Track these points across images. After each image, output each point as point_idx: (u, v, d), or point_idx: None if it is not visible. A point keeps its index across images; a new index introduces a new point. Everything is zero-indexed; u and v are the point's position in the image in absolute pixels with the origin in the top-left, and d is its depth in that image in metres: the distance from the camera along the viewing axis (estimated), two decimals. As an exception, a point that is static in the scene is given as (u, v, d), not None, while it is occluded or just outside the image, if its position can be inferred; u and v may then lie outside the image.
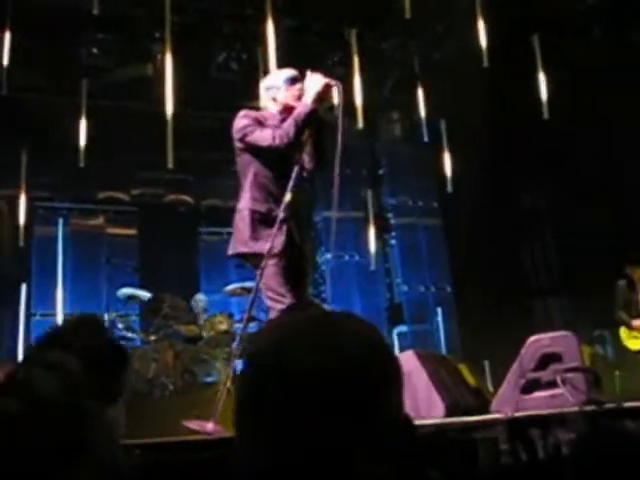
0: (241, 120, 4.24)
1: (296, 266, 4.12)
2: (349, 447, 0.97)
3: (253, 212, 4.16)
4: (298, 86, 4.24)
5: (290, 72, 4.37)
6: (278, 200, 4.11)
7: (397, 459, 1.00)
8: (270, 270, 3.97)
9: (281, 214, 4.00)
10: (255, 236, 4.08)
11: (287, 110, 4.24)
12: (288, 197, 4.03)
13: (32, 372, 1.23)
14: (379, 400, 1.00)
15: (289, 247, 4.07)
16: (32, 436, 1.04)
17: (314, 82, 4.08)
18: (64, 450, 1.05)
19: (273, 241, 3.94)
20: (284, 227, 4.05)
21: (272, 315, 4.02)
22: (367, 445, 0.97)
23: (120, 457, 1.19)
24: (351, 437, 0.97)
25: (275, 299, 3.98)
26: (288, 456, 0.97)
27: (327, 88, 4.09)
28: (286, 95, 4.27)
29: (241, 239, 4.15)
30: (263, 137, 4.12)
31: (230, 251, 4.25)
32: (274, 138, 4.06)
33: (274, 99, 4.33)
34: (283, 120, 4.19)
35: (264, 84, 4.49)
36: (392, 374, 1.04)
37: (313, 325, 1.05)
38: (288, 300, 3.94)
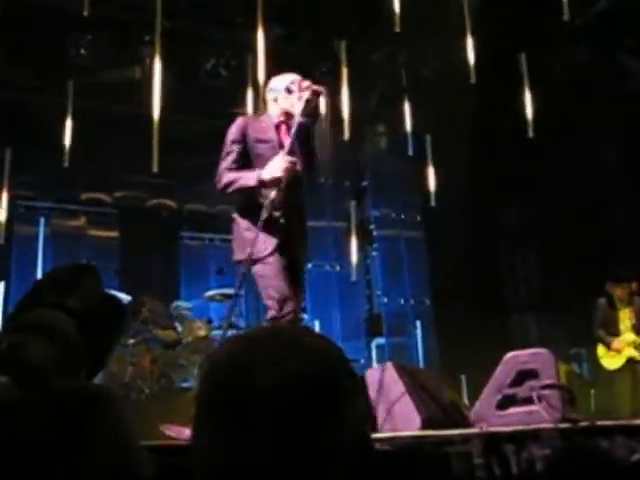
0: (228, 133, 4.40)
1: (290, 267, 4.19)
2: (302, 461, 0.96)
3: (244, 217, 4.28)
4: (295, 95, 4.29)
5: (290, 80, 4.40)
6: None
7: (351, 473, 1.00)
8: (265, 272, 4.10)
9: (265, 213, 4.03)
10: (247, 240, 4.14)
11: (285, 115, 4.36)
12: (273, 194, 4.08)
13: (20, 338, 1.13)
14: (333, 415, 0.99)
15: (282, 248, 4.14)
16: (28, 428, 1.02)
17: (275, 167, 4.09)
18: (62, 446, 1.03)
19: (264, 243, 4.05)
20: (274, 227, 4.11)
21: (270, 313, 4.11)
22: (320, 459, 0.98)
23: (132, 458, 1.15)
24: (304, 451, 0.96)
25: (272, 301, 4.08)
26: (240, 468, 0.97)
27: (287, 172, 4.09)
28: (285, 101, 4.36)
29: (238, 245, 4.27)
30: (220, 167, 4.32)
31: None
32: (217, 179, 4.31)
33: (275, 100, 4.42)
34: (278, 126, 4.35)
35: (269, 85, 4.56)
36: (347, 389, 1.03)
37: (267, 341, 1.04)
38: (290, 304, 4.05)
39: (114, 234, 10.37)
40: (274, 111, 4.43)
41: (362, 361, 10.17)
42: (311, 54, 9.70)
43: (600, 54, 9.72)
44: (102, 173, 10.09)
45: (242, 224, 4.31)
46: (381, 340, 10.91)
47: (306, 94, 4.21)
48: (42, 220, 10.07)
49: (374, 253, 11.43)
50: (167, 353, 7.52)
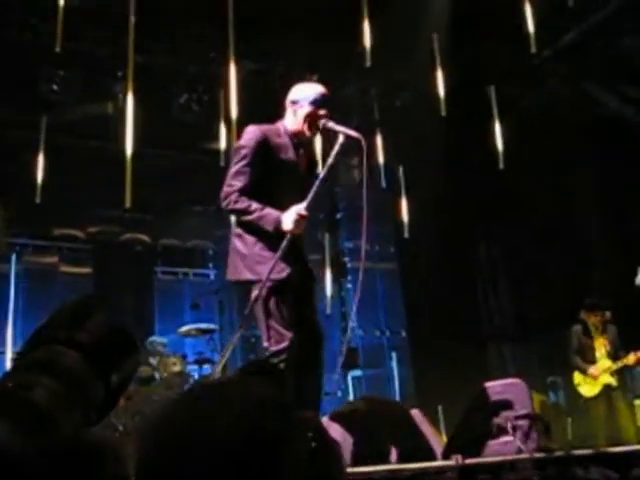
0: (244, 144, 3.96)
1: (300, 295, 3.90)
2: None
3: (251, 233, 3.91)
4: (322, 112, 4.00)
5: (318, 92, 4.09)
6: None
7: None
8: (273, 297, 3.74)
9: (286, 243, 3.72)
10: (260, 258, 3.83)
11: (298, 134, 4.05)
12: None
13: (27, 378, 1.05)
14: (268, 464, 0.99)
15: (295, 275, 3.83)
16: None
17: (297, 223, 3.77)
18: None
19: (279, 266, 3.71)
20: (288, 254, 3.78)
21: (270, 343, 3.75)
22: None
23: None
24: None
25: (276, 334, 3.74)
26: None
27: (299, 222, 3.78)
28: (304, 117, 4.00)
29: (246, 264, 3.89)
30: (229, 181, 3.90)
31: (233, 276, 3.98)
32: (227, 196, 3.87)
33: (295, 113, 4.05)
34: (293, 145, 4.03)
35: (291, 95, 4.14)
36: (281, 436, 1.02)
37: (199, 402, 1.04)
38: (289, 336, 3.70)
39: (87, 270, 10.28)
40: (291, 124, 4.07)
41: (339, 394, 10.13)
42: (283, 88, 9.75)
43: (568, 84, 9.90)
44: (75, 208, 10.03)
45: (249, 240, 3.91)
46: (357, 372, 10.87)
47: (341, 137, 3.89)
48: (14, 257, 9.97)
49: (349, 285, 11.43)
50: (141, 389, 7.43)
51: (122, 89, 8.87)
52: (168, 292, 10.61)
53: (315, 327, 3.99)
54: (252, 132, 3.98)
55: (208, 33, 8.89)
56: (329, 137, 4.12)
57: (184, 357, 7.97)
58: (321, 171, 3.93)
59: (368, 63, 8.05)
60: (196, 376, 7.81)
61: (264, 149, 3.93)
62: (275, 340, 3.73)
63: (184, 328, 8.30)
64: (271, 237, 3.80)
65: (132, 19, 7.84)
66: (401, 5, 8.51)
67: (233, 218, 4.10)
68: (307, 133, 4.04)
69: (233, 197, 3.83)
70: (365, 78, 10.07)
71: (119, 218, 10.34)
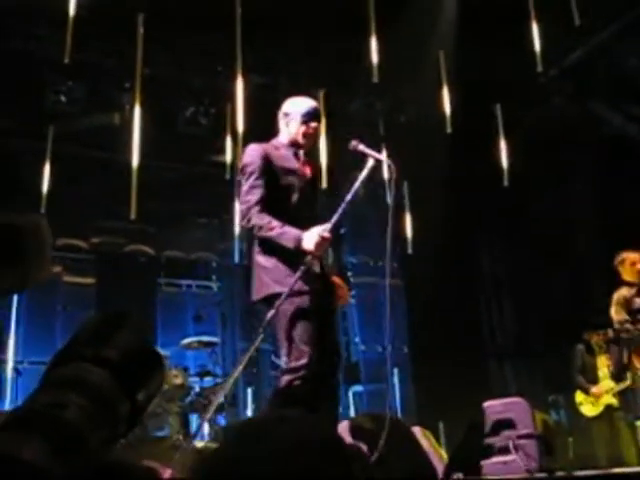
0: (246, 162, 4.00)
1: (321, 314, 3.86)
2: None
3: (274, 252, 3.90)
4: (313, 124, 4.12)
5: (309, 106, 4.20)
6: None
7: None
8: (291, 313, 3.71)
9: (307, 266, 3.70)
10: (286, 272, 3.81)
11: (294, 145, 4.12)
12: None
13: (56, 396, 1.02)
14: None
15: (317, 292, 3.82)
16: None
17: (312, 240, 3.73)
18: None
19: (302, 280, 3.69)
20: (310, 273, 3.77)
21: (290, 359, 3.72)
22: None
23: None
24: None
25: (296, 351, 3.70)
26: None
27: (321, 244, 3.74)
28: (297, 130, 4.11)
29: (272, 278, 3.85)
30: (244, 198, 3.90)
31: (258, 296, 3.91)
32: (247, 213, 3.85)
33: (287, 125, 4.15)
34: (293, 153, 4.09)
35: (283, 108, 4.24)
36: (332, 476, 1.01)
37: (255, 440, 1.02)
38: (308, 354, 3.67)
39: (90, 280, 10.28)
40: (283, 135, 4.17)
41: (340, 409, 10.08)
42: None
43: (574, 103, 9.91)
44: (79, 219, 10.05)
45: (272, 254, 3.87)
46: (359, 388, 10.84)
47: (371, 161, 3.93)
48: (17, 266, 9.96)
49: (352, 300, 11.41)
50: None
51: (129, 100, 8.90)
52: (171, 304, 10.60)
53: (335, 347, 3.99)
54: (253, 149, 4.05)
55: (215, 46, 8.92)
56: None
57: (186, 369, 7.96)
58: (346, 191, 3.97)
59: (375, 79, 8.08)
60: (197, 389, 7.79)
61: (268, 163, 3.98)
62: (295, 357, 3.70)
63: (186, 340, 8.29)
64: (292, 253, 3.77)
65: (140, 31, 7.89)
66: (408, 22, 8.55)
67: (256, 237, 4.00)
68: (301, 142, 4.12)
69: (253, 212, 3.84)
70: (371, 94, 10.09)
71: (123, 229, 10.35)
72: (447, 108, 8.96)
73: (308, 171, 4.17)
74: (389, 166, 3.96)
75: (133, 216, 7.91)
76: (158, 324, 10.41)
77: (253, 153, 4.02)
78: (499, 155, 9.32)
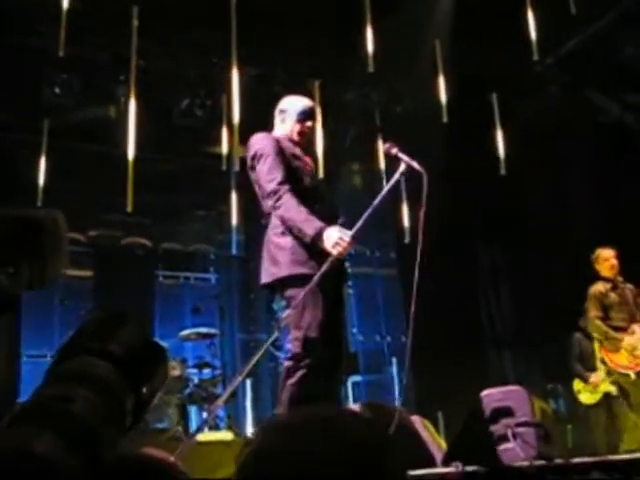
0: (261, 145, 3.98)
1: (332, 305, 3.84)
2: None
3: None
4: (308, 123, 4.18)
5: (305, 105, 4.26)
6: None
7: None
8: (303, 301, 3.63)
9: (327, 266, 3.62)
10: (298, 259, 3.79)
11: (289, 140, 4.12)
12: None
13: (64, 389, 1.02)
14: None
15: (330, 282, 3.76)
16: None
17: (333, 238, 3.68)
18: None
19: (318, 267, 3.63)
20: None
21: (294, 345, 3.71)
22: None
23: None
24: None
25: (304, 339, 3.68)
26: None
27: (340, 246, 3.68)
28: (293, 127, 4.16)
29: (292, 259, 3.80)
30: (267, 177, 3.86)
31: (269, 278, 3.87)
32: (276, 191, 3.80)
33: (282, 122, 4.21)
34: (297, 144, 4.11)
35: (280, 105, 4.30)
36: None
37: (303, 434, 1.02)
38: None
39: (88, 273, 10.27)
40: (279, 131, 4.20)
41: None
42: (285, 93, 9.77)
43: (570, 92, 9.91)
44: (76, 212, 10.01)
45: (291, 236, 3.81)
46: (357, 378, 10.87)
47: (403, 166, 3.90)
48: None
49: (349, 291, 11.43)
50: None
51: (124, 93, 8.88)
52: (169, 296, 10.61)
53: (340, 340, 4.00)
54: (262, 136, 4.06)
55: (210, 38, 8.90)
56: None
57: (184, 361, 7.98)
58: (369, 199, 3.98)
59: (371, 69, 8.06)
60: (196, 380, 7.80)
61: (279, 147, 3.99)
62: (301, 344, 3.69)
63: (184, 332, 8.31)
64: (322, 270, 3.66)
65: (135, 23, 7.86)
66: (403, 12, 8.53)
67: (274, 221, 3.93)
68: (296, 140, 4.15)
69: (284, 190, 3.79)
70: (367, 84, 10.07)
71: (120, 222, 10.34)
72: (443, 98, 8.96)
73: (309, 161, 4.20)
74: (421, 174, 3.89)
75: (130, 209, 7.90)
76: (156, 316, 10.41)
77: (263, 139, 4.02)
78: (496, 145, 9.32)
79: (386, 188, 3.88)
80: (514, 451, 4.12)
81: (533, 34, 8.06)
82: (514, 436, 4.19)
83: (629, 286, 7.13)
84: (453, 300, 9.83)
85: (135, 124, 8.07)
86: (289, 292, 3.76)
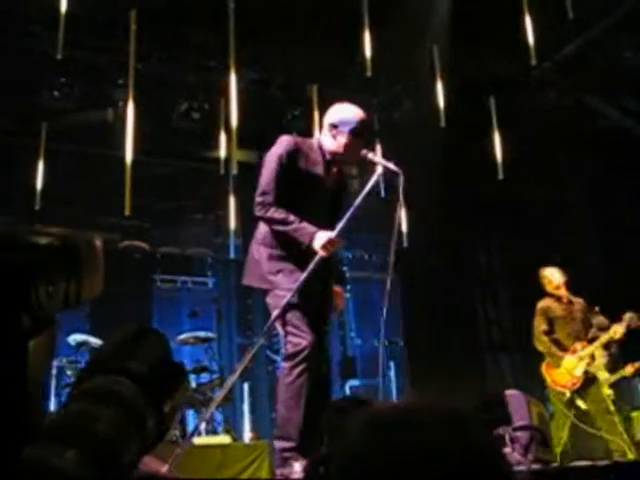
0: (276, 153, 3.96)
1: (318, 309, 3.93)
2: None
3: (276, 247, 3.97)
4: (358, 140, 4.01)
5: (359, 119, 4.04)
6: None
7: None
8: (285, 305, 3.75)
9: (312, 266, 3.75)
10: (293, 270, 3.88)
11: (334, 155, 4.04)
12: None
13: (87, 408, 1.03)
14: None
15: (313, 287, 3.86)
16: None
17: (320, 241, 3.74)
18: None
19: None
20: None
21: (287, 347, 3.79)
22: None
23: None
24: None
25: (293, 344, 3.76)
26: None
27: (328, 247, 3.77)
28: (344, 144, 4.00)
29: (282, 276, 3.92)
30: (263, 189, 3.88)
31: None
32: (264, 205, 3.85)
33: (334, 137, 4.03)
34: (325, 162, 4.04)
35: (331, 117, 4.09)
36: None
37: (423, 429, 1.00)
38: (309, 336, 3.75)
39: (86, 277, 10.23)
40: (327, 144, 4.06)
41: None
42: (283, 98, 9.80)
43: (568, 96, 9.93)
44: (74, 215, 10.02)
45: (265, 250, 3.94)
46: (355, 382, 10.86)
47: (379, 169, 4.00)
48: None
49: (347, 295, 11.43)
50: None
51: (122, 96, 8.88)
52: (167, 300, 10.59)
53: (323, 348, 3.99)
54: (285, 142, 4.00)
55: (209, 42, 8.91)
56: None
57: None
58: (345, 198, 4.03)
59: (369, 73, 8.07)
60: (194, 385, 7.79)
61: (294, 160, 3.94)
62: (293, 343, 3.77)
63: (182, 336, 8.29)
64: (288, 249, 3.85)
65: (133, 27, 7.87)
66: (401, 16, 8.54)
67: (261, 227, 4.03)
68: (343, 154, 4.04)
69: (271, 207, 3.84)
70: (365, 88, 10.08)
71: (118, 225, 10.33)
72: (441, 102, 8.96)
73: (332, 184, 4.13)
74: (398, 175, 3.92)
75: (127, 212, 7.89)
76: (154, 320, 10.39)
77: (284, 146, 3.97)
78: (493, 148, 9.33)
79: (365, 190, 3.92)
80: (512, 455, 4.12)
81: (531, 39, 8.06)
82: (512, 440, 4.19)
83: (579, 301, 7.30)
84: (450, 303, 9.84)
85: (133, 128, 8.07)
86: (267, 299, 3.90)
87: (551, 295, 7.30)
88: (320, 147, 4.07)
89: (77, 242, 1.16)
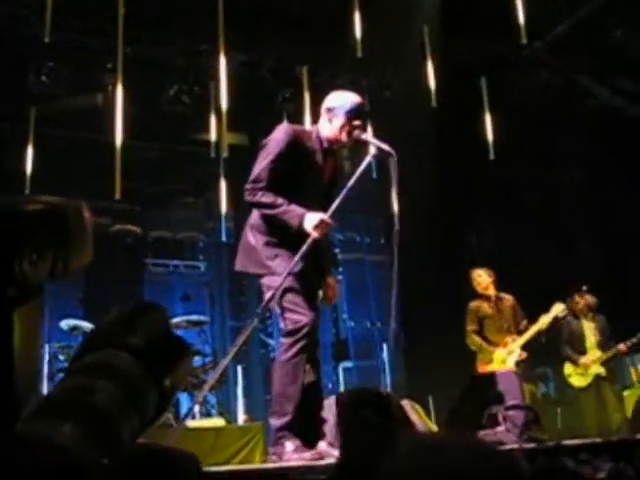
0: (275, 140, 3.99)
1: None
2: None
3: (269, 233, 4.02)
4: (357, 122, 4.04)
5: (354, 102, 4.10)
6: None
7: None
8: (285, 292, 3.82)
9: (305, 247, 3.77)
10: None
11: (331, 141, 4.08)
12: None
13: (85, 381, 1.02)
14: None
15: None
16: None
17: (313, 221, 3.78)
18: None
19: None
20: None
21: (287, 324, 3.83)
22: None
23: None
24: None
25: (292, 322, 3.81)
26: None
27: (321, 227, 3.80)
28: (341, 127, 4.04)
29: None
30: (255, 175, 3.91)
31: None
32: (253, 189, 3.89)
33: (330, 121, 4.08)
34: (323, 151, 4.07)
35: (327, 101, 4.15)
36: None
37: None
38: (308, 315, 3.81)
39: (77, 261, 10.18)
40: (325, 131, 4.10)
41: (330, 385, 10.15)
42: (273, 80, 9.75)
43: (559, 75, 9.91)
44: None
45: (260, 236, 3.99)
46: (348, 364, 10.90)
47: (373, 149, 4.01)
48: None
49: (339, 277, 11.43)
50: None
51: (112, 80, 8.81)
52: (159, 284, 10.58)
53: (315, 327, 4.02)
54: (283, 130, 4.04)
55: (198, 24, 8.84)
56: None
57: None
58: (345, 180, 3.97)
59: (359, 54, 8.04)
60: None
61: (292, 148, 3.95)
62: (292, 320, 3.82)
63: (175, 320, 8.28)
64: (284, 234, 3.88)
65: (122, 10, 7.80)
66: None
67: (255, 213, 4.07)
68: (343, 140, 4.08)
69: (259, 191, 3.87)
70: (356, 69, 10.04)
71: (109, 209, 10.28)
72: (432, 82, 8.93)
73: (327, 175, 4.16)
74: (391, 156, 3.95)
75: (118, 196, 7.87)
76: (146, 304, 10.36)
77: (282, 133, 4.00)
78: (485, 129, 9.32)
79: (358, 171, 3.93)
80: (504, 434, 4.15)
81: (521, 18, 8.03)
82: (504, 419, 4.22)
83: (507, 297, 7.71)
84: (443, 285, 9.84)
85: (122, 111, 8.02)
86: (262, 281, 3.96)
87: (480, 295, 7.69)
88: (318, 136, 4.09)
89: (65, 210, 1.14)
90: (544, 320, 7.33)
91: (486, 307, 7.60)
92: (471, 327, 7.59)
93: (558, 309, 7.38)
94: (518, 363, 7.24)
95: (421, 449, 1.04)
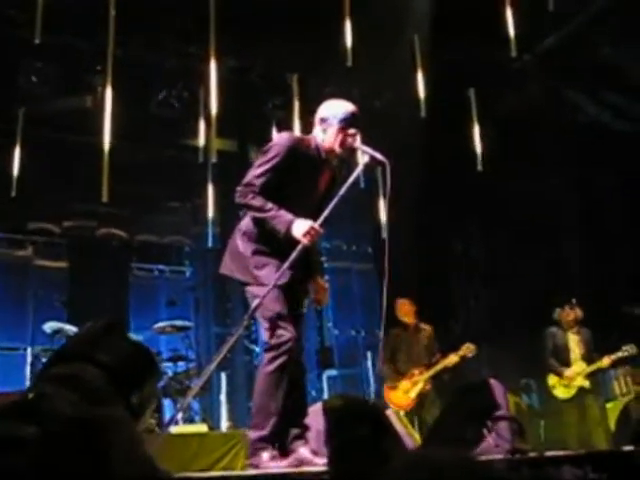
0: (275, 147, 3.94)
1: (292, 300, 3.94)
2: None
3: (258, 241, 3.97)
4: (352, 131, 3.99)
5: (347, 111, 4.04)
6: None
7: None
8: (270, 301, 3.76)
9: (295, 255, 3.73)
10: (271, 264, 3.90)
11: (328, 151, 4.02)
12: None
13: (42, 390, 1.07)
14: None
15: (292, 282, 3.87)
16: (44, 461, 0.97)
17: (302, 228, 3.72)
18: (77, 474, 0.99)
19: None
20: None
21: (269, 339, 3.79)
22: None
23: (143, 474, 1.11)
24: None
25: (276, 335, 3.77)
26: None
27: (311, 235, 3.74)
28: (335, 137, 3.99)
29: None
30: (250, 179, 3.87)
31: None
32: (245, 192, 3.85)
33: (324, 131, 4.02)
34: (320, 159, 4.03)
35: (321, 111, 4.09)
36: None
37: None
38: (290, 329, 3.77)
39: (62, 264, 10.14)
40: (320, 141, 4.04)
41: (313, 393, 10.13)
42: (263, 87, 9.75)
43: (548, 88, 9.96)
44: (51, 202, 9.92)
45: (249, 244, 3.94)
46: (333, 372, 10.87)
47: (366, 158, 3.94)
48: (-14, 250, 9.83)
49: (325, 285, 11.38)
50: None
51: (101, 82, 8.79)
52: (144, 288, 10.52)
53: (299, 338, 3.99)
54: (285, 137, 4.02)
55: (189, 29, 8.84)
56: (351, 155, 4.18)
57: (158, 354, 7.92)
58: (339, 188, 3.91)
59: (349, 62, 8.05)
60: (170, 373, 7.76)
61: (292, 157, 3.90)
62: (276, 334, 3.77)
63: (159, 325, 8.26)
64: (274, 243, 3.83)
65: (112, 12, 7.78)
66: (382, 6, 8.52)
67: (247, 219, 4.04)
68: (338, 151, 4.02)
69: (250, 193, 3.83)
70: (345, 78, 10.05)
71: (95, 213, 10.23)
72: (421, 93, 8.96)
73: (324, 185, 4.11)
74: (384, 165, 3.93)
75: (105, 199, 7.82)
76: (131, 308, 10.32)
77: (284, 141, 3.97)
78: (473, 140, 9.35)
79: (350, 179, 3.89)
80: (488, 444, 4.14)
81: (511, 31, 8.08)
82: (489, 430, 4.21)
83: (425, 327, 8.06)
84: (429, 294, 9.85)
85: (111, 114, 7.99)
86: (248, 288, 3.92)
87: (400, 324, 7.98)
88: (317, 146, 4.05)
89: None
90: (452, 358, 7.66)
91: (403, 335, 7.96)
92: (384, 356, 7.99)
93: (467, 350, 7.67)
94: (419, 395, 7.63)
95: (415, 467, 1.05)
